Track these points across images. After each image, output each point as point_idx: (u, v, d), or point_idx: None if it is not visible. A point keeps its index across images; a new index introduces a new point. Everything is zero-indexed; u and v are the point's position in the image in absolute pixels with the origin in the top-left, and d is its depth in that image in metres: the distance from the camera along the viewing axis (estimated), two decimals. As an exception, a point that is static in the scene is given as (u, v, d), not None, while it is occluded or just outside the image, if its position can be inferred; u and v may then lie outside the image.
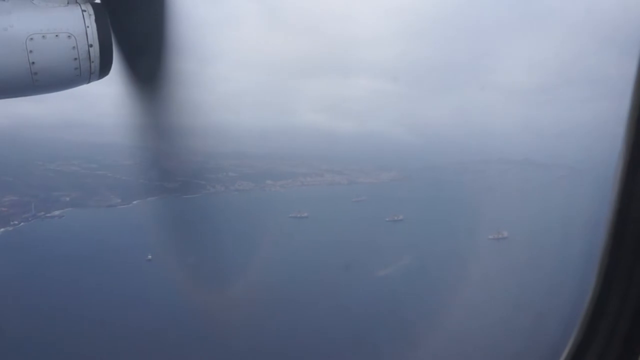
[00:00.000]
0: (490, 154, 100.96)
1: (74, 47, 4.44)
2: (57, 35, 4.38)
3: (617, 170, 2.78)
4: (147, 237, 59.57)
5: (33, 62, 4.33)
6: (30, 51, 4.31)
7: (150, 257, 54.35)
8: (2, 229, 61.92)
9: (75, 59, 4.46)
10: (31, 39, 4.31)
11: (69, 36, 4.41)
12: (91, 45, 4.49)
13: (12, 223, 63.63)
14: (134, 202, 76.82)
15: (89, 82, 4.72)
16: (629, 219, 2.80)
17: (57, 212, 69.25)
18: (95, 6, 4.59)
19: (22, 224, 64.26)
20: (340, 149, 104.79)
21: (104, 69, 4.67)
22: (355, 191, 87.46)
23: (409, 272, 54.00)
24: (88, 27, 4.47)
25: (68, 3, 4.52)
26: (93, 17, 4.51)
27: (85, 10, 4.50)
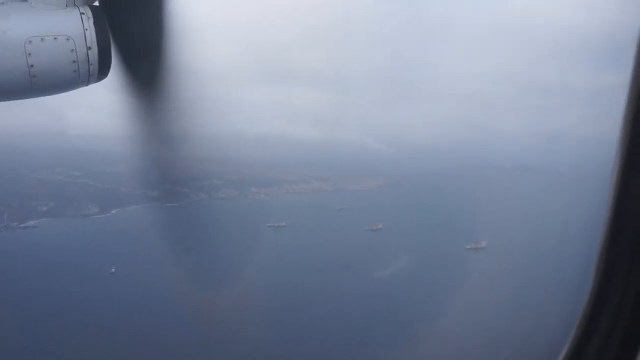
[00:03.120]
0: (481, 160, 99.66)
1: (72, 50, 4.48)
2: (55, 39, 4.42)
3: (614, 170, 2.79)
4: (117, 249, 58.91)
5: (32, 65, 4.37)
6: (29, 54, 4.35)
7: (114, 270, 53.34)
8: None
9: (74, 61, 4.50)
10: (30, 42, 4.35)
11: (67, 39, 4.45)
12: (90, 48, 4.53)
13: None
14: (113, 211, 75.98)
15: (87, 84, 4.74)
16: (627, 217, 2.83)
17: (31, 223, 68.24)
18: (94, 9, 4.63)
19: (-7, 235, 63.47)
20: (326, 156, 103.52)
21: (102, 71, 4.71)
22: (340, 199, 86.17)
23: (380, 284, 52.74)
24: (87, 30, 4.51)
25: (67, 6, 4.55)
26: (92, 20, 4.54)
27: (84, 14, 4.54)
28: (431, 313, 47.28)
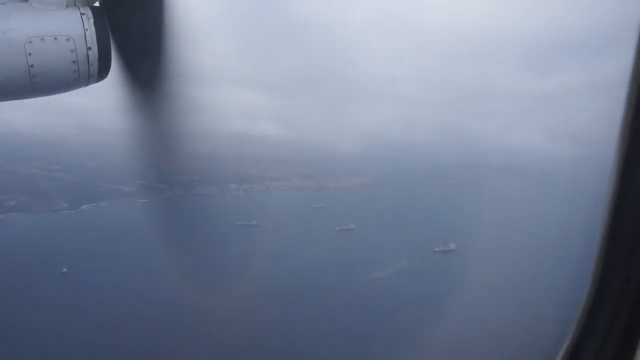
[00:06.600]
0: (470, 158, 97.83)
1: (72, 50, 4.49)
2: (55, 38, 4.44)
3: (612, 170, 2.80)
4: (76, 247, 57.61)
5: (32, 65, 4.37)
6: (29, 54, 4.35)
7: (65, 270, 51.81)
8: None
9: (74, 61, 4.51)
10: (30, 42, 4.36)
11: (67, 39, 4.46)
12: (90, 48, 4.54)
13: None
14: (83, 207, 74.79)
15: (87, 84, 4.75)
16: (626, 216, 2.83)
17: (-3, 217, 67.18)
18: (94, 9, 4.63)
19: (-47, 229, 62.19)
20: (312, 152, 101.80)
21: (102, 71, 4.71)
22: (319, 197, 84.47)
23: (338, 288, 51.09)
24: (87, 30, 4.51)
25: (67, 6, 4.55)
26: (92, 20, 4.55)
27: (84, 14, 4.55)
28: (396, 318, 45.89)
